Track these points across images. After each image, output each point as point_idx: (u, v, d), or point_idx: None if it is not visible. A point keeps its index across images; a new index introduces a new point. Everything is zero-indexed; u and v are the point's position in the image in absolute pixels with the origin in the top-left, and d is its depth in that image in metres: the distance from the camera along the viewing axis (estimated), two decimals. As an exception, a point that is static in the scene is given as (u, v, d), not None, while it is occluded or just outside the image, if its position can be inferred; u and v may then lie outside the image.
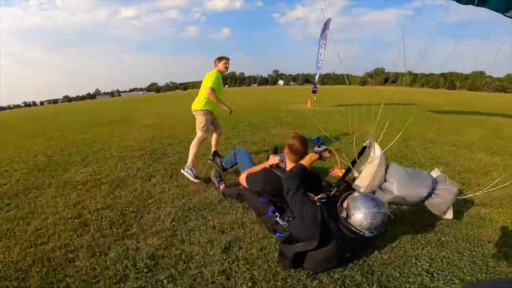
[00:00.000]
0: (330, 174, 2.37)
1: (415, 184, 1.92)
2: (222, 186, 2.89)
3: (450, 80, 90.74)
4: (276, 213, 2.01)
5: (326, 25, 11.45)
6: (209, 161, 4.00)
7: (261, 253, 1.93)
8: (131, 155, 4.57)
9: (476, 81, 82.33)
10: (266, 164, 2.37)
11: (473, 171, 3.95)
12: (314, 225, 1.60)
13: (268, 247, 1.99)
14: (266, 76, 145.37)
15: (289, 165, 2.20)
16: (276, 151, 3.52)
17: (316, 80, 12.32)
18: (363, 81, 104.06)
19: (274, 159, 2.34)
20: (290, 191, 1.73)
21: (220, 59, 3.59)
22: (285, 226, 1.88)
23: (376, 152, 2.00)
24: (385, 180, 2.00)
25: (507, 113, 11.67)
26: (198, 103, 3.55)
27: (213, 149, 4.02)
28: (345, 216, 1.56)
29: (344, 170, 2.14)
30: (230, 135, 5.87)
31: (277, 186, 2.06)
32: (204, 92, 3.46)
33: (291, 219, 1.85)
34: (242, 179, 2.43)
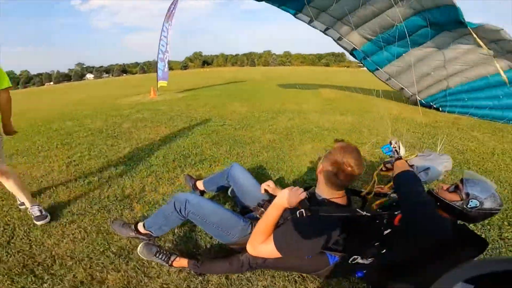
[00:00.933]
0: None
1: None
2: (180, 262, 1.53)
3: (251, 59, 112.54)
4: (353, 256, 1.29)
5: (174, 5, 9.72)
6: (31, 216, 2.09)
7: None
8: None
9: (267, 58, 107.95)
10: (281, 205, 1.24)
11: (361, 132, 4.68)
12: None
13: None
14: (67, 71, 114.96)
15: (328, 194, 1.30)
16: (194, 182, 2.32)
17: (163, 67, 10.47)
18: (184, 66, 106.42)
19: (297, 195, 1.21)
20: (424, 207, 1.12)
21: None
22: (366, 263, 1.32)
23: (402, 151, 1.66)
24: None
25: (306, 82, 15.69)
26: None
27: (23, 199, 2.12)
28: (477, 205, 1.26)
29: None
30: (83, 157, 3.55)
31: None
32: None
33: (383, 251, 1.27)
34: (261, 250, 1.23)
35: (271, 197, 1.67)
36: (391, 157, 1.55)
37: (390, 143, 1.71)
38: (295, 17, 6.29)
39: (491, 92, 5.47)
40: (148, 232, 1.70)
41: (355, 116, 5.83)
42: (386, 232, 1.27)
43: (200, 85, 15.48)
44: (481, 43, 4.58)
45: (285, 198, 1.24)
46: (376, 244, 1.27)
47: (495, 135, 4.55)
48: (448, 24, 4.73)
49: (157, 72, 10.44)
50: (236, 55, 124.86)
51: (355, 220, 1.24)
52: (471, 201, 1.28)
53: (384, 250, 1.26)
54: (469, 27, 4.53)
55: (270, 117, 5.80)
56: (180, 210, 1.52)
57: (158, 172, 2.91)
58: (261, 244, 1.21)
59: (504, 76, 4.66)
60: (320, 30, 6.37)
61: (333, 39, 6.52)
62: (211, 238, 1.81)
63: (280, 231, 1.22)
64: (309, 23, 6.23)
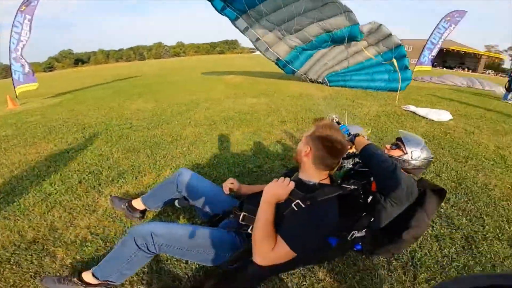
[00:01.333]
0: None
1: None
2: None
3: (139, 53, 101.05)
4: (352, 232, 1.32)
5: None
6: None
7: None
8: None
9: (158, 51, 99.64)
10: (271, 202, 1.06)
11: (279, 111, 4.88)
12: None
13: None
14: None
15: (318, 177, 1.19)
16: (127, 202, 1.80)
17: (21, 68, 7.77)
18: (48, 67, 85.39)
19: (285, 187, 1.07)
20: (395, 172, 1.22)
21: None
22: (362, 235, 1.38)
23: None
24: None
25: (208, 71, 15.33)
26: None
27: None
28: (419, 156, 1.51)
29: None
30: None
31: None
32: None
33: (372, 220, 1.34)
34: (274, 257, 1.02)
35: (240, 196, 1.46)
36: (348, 135, 1.62)
37: (333, 120, 1.81)
38: (233, 23, 6.31)
39: (365, 71, 7.47)
40: (104, 282, 1.22)
41: (268, 98, 6.09)
42: (369, 199, 1.31)
43: (79, 86, 12.64)
44: (364, 49, 6.49)
45: (273, 192, 1.07)
46: (364, 214, 1.31)
47: (374, 102, 5.73)
48: (345, 37, 6.10)
49: (12, 76, 7.76)
50: (120, 49, 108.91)
51: (344, 196, 1.21)
52: (413, 153, 1.52)
53: (372, 219, 1.32)
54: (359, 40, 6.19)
55: (184, 109, 5.31)
56: (147, 247, 1.12)
57: (63, 202, 2.11)
58: (272, 252, 1.02)
59: (374, 59, 6.72)
60: (251, 40, 6.66)
61: (260, 51, 7.02)
62: (186, 262, 1.45)
63: (287, 230, 1.05)
64: (243, 31, 6.39)
